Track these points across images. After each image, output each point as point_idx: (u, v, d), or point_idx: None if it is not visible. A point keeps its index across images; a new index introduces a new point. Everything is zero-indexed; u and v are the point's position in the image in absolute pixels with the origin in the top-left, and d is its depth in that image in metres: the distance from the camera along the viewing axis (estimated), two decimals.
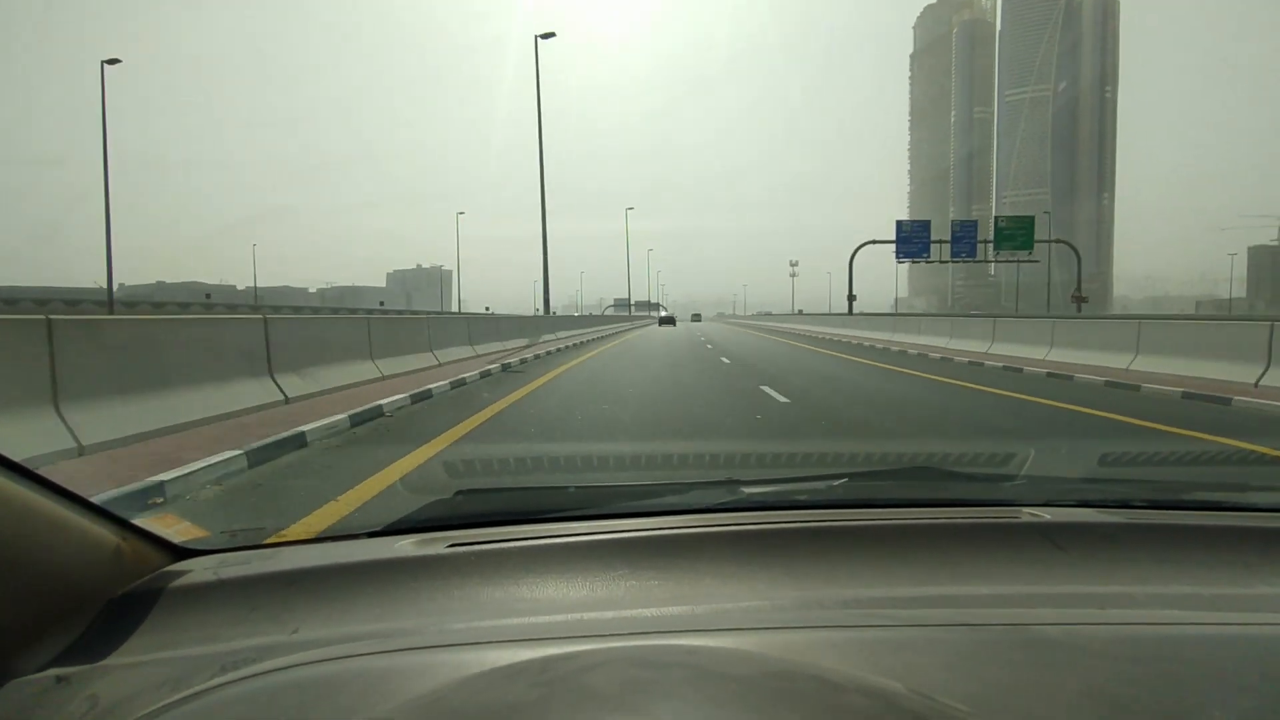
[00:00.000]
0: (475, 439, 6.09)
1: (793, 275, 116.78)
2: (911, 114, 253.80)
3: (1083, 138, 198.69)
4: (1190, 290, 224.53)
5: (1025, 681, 0.69)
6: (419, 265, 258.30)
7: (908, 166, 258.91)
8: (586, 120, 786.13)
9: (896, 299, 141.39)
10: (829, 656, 0.71)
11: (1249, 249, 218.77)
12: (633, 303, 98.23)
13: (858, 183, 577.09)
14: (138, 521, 0.98)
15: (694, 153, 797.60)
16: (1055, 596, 0.92)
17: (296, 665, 0.71)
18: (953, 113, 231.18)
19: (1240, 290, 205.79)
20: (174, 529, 1.10)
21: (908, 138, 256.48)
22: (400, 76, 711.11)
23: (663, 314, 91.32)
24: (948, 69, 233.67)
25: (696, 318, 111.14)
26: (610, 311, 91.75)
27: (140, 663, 0.79)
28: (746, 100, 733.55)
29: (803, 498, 1.35)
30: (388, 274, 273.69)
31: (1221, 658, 0.74)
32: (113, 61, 30.86)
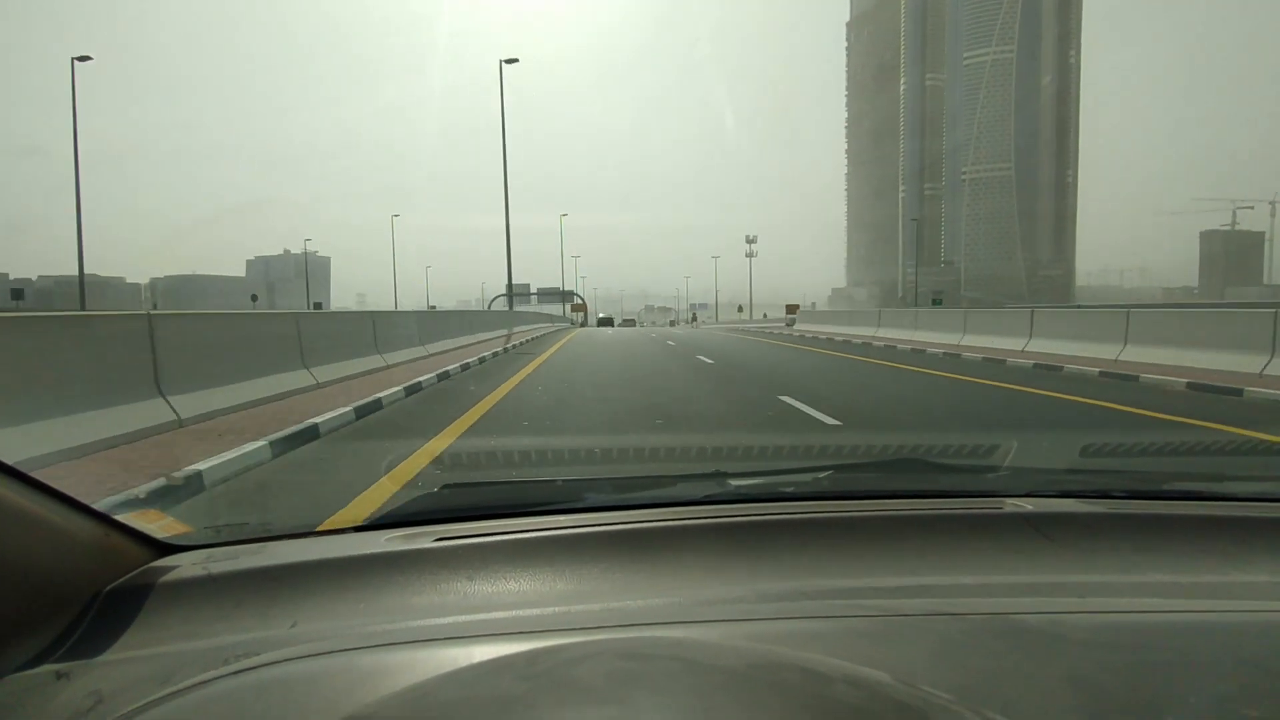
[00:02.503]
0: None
1: (750, 255, 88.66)
2: (849, 87, 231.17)
3: (1044, 107, 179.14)
4: (1116, 279, 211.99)
5: (1008, 670, 0.70)
6: (286, 250, 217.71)
7: (845, 145, 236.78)
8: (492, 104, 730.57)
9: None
10: (815, 647, 0.71)
11: (1200, 234, 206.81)
12: (533, 291, 67.44)
13: (794, 170, 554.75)
14: (119, 517, 0.96)
15: (608, 142, 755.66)
16: (1037, 586, 0.93)
17: (283, 660, 0.71)
18: (902, 81, 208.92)
19: (1186, 277, 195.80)
20: (156, 524, 1.11)
21: (844, 114, 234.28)
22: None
23: (599, 315, 64.96)
24: (891, 35, 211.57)
25: (629, 322, 75.61)
26: (499, 306, 60.76)
27: (128, 658, 0.78)
28: (660, 88, 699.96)
29: (788, 490, 1.34)
30: (247, 260, 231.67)
31: (1198, 644, 0.76)
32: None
